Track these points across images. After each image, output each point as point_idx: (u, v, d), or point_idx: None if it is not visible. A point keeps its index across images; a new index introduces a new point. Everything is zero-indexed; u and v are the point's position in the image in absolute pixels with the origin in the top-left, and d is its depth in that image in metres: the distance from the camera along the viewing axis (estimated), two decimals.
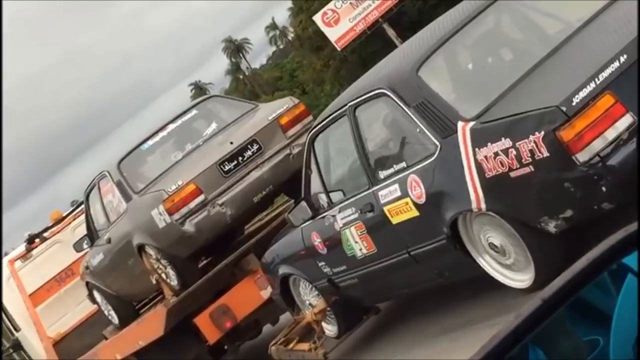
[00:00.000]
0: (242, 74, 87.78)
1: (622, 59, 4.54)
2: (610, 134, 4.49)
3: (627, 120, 4.48)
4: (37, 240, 12.40)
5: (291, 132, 8.62)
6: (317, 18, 42.03)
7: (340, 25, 41.10)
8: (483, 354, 1.51)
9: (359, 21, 41.02)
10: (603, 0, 5.30)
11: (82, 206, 12.57)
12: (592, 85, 4.50)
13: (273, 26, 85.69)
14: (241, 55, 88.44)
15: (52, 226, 12.62)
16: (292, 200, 9.44)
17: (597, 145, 4.47)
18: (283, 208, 10.05)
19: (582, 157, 4.47)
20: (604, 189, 4.50)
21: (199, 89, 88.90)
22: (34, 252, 12.51)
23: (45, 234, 12.50)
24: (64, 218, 12.86)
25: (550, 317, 1.51)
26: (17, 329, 13.10)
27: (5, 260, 12.60)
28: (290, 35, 77.65)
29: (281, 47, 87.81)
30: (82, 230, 11.19)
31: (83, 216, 12.36)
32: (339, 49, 43.01)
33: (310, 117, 8.78)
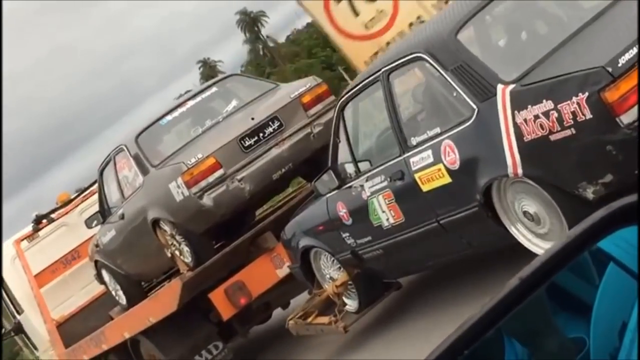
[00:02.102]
0: (261, 43, 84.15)
1: None
2: None
3: None
4: (44, 221, 12.42)
5: (313, 111, 8.66)
6: None
7: None
8: (458, 334, 1.48)
9: None
10: None
11: (90, 189, 12.70)
12: (636, 45, 4.53)
13: None
14: (257, 28, 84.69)
15: (60, 207, 12.65)
16: (309, 184, 9.51)
17: None
18: (299, 190, 10.09)
19: (626, 119, 4.47)
20: None
21: (209, 67, 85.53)
22: (41, 233, 12.54)
23: (52, 215, 12.53)
24: (71, 200, 12.90)
25: (528, 298, 1.49)
26: (19, 312, 13.12)
27: (11, 239, 12.62)
28: None
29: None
30: (90, 214, 11.22)
31: (90, 200, 12.48)
32: None
33: (332, 97, 8.82)
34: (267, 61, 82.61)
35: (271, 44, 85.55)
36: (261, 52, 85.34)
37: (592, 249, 1.52)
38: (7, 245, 12.54)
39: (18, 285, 12.62)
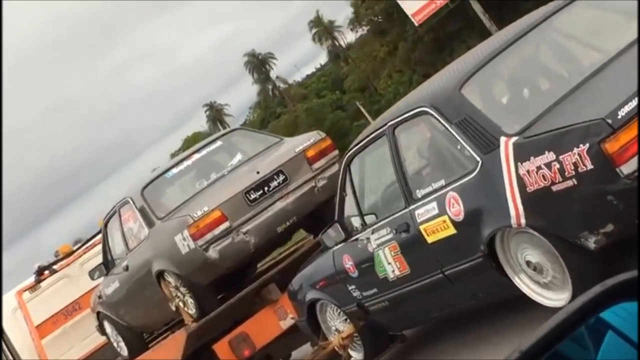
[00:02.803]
0: (271, 83, 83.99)
1: None
2: None
3: None
4: (46, 272, 12.53)
5: (317, 165, 8.84)
6: None
7: None
8: None
9: None
10: None
11: (92, 241, 12.85)
12: (638, 99, 4.72)
13: (317, 22, 78.86)
14: (265, 69, 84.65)
15: (62, 259, 12.77)
16: (311, 236, 9.66)
17: None
18: (302, 243, 10.23)
19: (626, 169, 4.64)
20: None
21: (215, 111, 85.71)
22: (42, 284, 12.64)
23: (54, 267, 12.65)
24: (73, 252, 13.02)
25: None
26: None
27: (13, 291, 12.72)
28: (341, 34, 73.64)
29: (326, 48, 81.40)
30: (91, 266, 11.35)
31: (91, 252, 12.61)
32: (416, 24, 38.24)
33: (336, 152, 9.02)
34: (277, 102, 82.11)
35: (281, 85, 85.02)
36: (270, 93, 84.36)
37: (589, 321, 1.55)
38: (9, 296, 12.63)
39: (19, 336, 12.69)
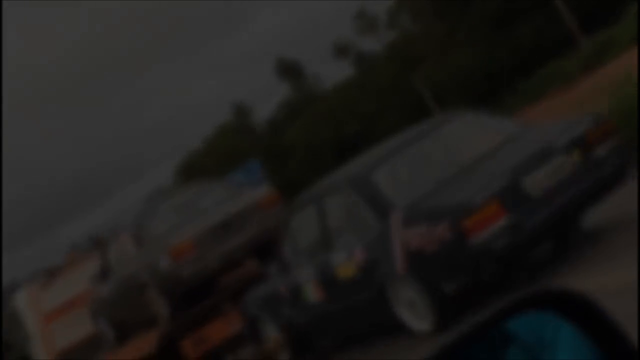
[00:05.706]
0: (306, 79, 69.80)
1: (508, 176, 6.27)
2: (494, 227, 6.10)
3: (506, 220, 6.09)
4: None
5: (267, 212, 10.37)
6: None
7: None
8: None
9: None
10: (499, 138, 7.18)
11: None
12: (486, 191, 6.13)
13: (360, 15, 62.31)
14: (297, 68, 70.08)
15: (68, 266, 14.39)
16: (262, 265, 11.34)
17: (485, 233, 6.05)
18: (255, 271, 11.88)
19: (475, 240, 6.00)
20: (486, 265, 6.18)
21: (241, 111, 73.55)
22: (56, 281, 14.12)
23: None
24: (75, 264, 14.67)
25: None
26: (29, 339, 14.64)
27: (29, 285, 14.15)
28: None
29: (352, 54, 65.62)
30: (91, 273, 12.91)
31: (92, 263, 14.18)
32: None
33: (281, 206, 10.60)
34: (305, 97, 69.91)
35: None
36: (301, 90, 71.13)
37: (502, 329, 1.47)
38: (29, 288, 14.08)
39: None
